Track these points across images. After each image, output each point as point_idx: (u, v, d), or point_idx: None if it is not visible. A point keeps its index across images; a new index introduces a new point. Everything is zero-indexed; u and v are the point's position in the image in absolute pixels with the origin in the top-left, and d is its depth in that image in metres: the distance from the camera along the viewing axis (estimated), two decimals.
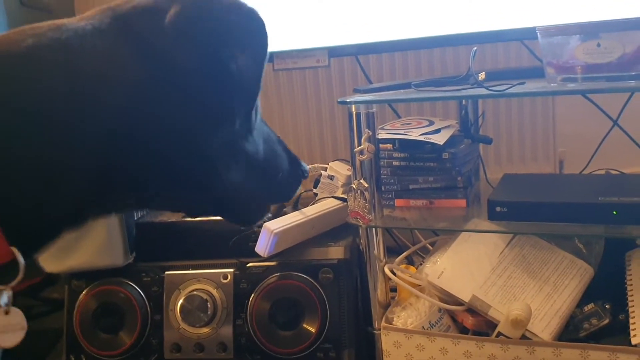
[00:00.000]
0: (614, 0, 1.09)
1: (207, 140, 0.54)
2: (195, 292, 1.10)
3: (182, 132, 0.52)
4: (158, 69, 0.50)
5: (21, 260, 0.48)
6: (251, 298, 1.10)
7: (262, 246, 1.07)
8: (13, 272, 0.48)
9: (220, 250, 1.13)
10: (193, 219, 1.16)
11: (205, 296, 1.10)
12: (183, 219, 1.18)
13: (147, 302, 1.13)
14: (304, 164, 0.68)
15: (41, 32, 0.49)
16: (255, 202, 0.64)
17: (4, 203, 0.46)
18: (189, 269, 1.13)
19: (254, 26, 0.53)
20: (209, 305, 1.10)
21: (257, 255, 1.09)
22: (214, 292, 1.11)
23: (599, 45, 0.90)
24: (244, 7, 0.52)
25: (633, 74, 0.89)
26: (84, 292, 1.13)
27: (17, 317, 0.50)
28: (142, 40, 0.50)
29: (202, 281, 1.12)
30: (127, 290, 1.12)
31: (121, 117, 0.49)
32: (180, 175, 0.54)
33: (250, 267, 1.11)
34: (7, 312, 0.49)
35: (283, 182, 0.65)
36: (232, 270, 1.12)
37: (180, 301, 1.11)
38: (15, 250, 0.47)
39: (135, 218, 1.19)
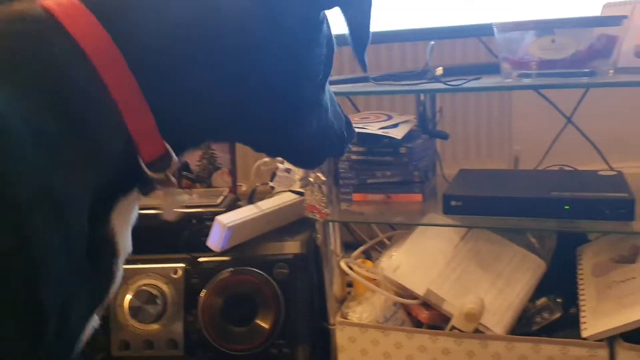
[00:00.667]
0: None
1: (299, 90, 0.60)
2: (144, 288, 1.07)
3: (281, 78, 0.58)
4: (269, 19, 0.55)
5: (173, 154, 0.53)
6: (203, 294, 1.07)
7: (215, 240, 1.04)
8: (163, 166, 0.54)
9: (171, 244, 1.10)
10: (141, 212, 1.12)
11: (154, 291, 1.07)
12: None
13: None
14: (354, 128, 0.74)
15: None
16: (319, 152, 0.69)
17: (172, 105, 0.53)
18: (137, 264, 1.10)
19: None
20: (158, 301, 1.07)
21: (210, 250, 1.06)
22: (164, 287, 1.08)
23: (553, 41, 0.90)
24: None
25: (586, 70, 0.90)
26: None
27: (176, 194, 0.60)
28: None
29: (152, 276, 1.09)
30: None
31: (240, 60, 0.55)
32: (269, 119, 0.60)
33: (202, 262, 1.09)
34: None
35: (340, 138, 0.70)
36: (183, 265, 1.09)
37: (129, 297, 1.07)
38: (167, 145, 0.53)
39: None
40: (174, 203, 0.61)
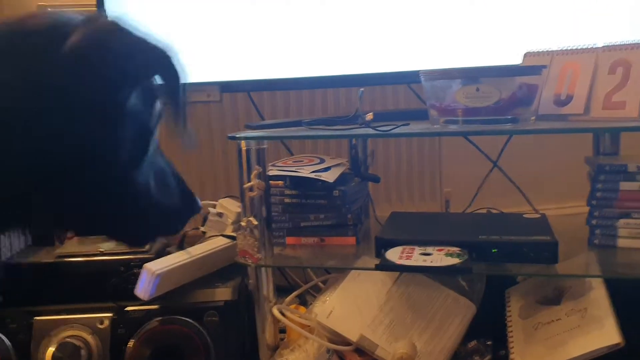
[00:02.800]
0: (493, 47, 1.15)
1: (94, 168, 0.54)
2: (67, 339, 1.02)
3: (70, 158, 0.52)
4: (48, 96, 0.48)
5: None
6: (130, 344, 1.03)
7: (143, 288, 1.01)
8: None
9: (96, 293, 1.05)
10: (64, 260, 1.08)
11: (79, 343, 1.02)
12: (56, 259, 1.09)
13: (12, 352, 1.02)
14: (197, 199, 0.70)
15: None
16: (142, 228, 0.64)
17: None
18: (61, 314, 1.05)
19: (167, 55, 0.53)
20: (82, 353, 1.01)
21: (138, 299, 1.02)
22: (89, 338, 1.03)
23: (478, 89, 0.94)
24: (153, 46, 0.52)
25: (509, 117, 0.94)
26: None
27: None
28: (33, 66, 0.48)
29: (76, 327, 1.04)
30: None
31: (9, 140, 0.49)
32: (68, 197, 0.55)
33: (129, 311, 1.05)
34: None
35: (172, 214, 0.66)
36: (109, 314, 1.05)
37: (51, 349, 1.02)
38: None
39: (3, 258, 1.08)
40: None
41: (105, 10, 1.25)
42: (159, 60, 0.53)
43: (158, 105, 0.60)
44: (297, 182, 1.12)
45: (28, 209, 0.54)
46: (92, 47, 0.49)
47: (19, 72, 0.48)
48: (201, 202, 1.24)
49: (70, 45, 0.48)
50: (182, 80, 0.56)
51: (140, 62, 0.52)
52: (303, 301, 1.23)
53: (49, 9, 0.57)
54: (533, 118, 0.97)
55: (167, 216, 0.65)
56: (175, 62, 0.55)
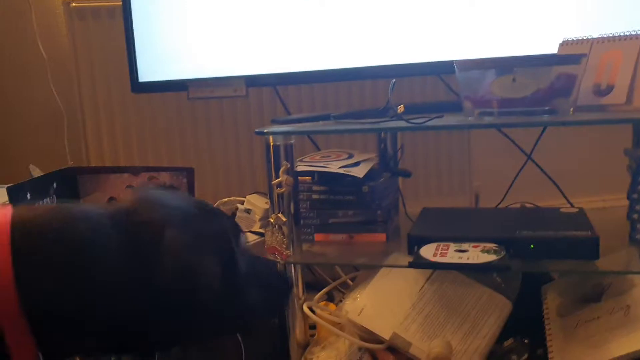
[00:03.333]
0: (529, 36, 1.12)
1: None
2: None
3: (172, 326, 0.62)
4: (147, 285, 0.59)
5: None
6: None
7: None
8: None
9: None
10: None
11: None
12: None
13: None
14: (287, 277, 0.83)
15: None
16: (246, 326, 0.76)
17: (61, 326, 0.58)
18: None
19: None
20: None
21: None
22: None
23: (514, 80, 0.90)
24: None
25: (546, 108, 0.91)
26: None
27: None
28: (144, 258, 0.59)
29: None
30: None
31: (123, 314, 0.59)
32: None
33: None
34: None
35: (267, 302, 0.74)
36: None
37: None
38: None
39: None
40: None
41: (130, 7, 1.25)
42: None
43: (242, 239, 0.70)
44: (326, 178, 1.09)
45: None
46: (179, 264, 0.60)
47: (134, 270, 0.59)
48: (229, 199, 1.24)
49: (169, 262, 0.59)
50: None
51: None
52: (330, 298, 1.21)
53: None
54: (572, 109, 0.94)
55: (266, 303, 0.73)
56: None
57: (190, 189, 1.29)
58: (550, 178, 1.34)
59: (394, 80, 0.97)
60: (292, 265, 1.03)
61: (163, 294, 0.60)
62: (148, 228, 0.61)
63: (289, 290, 0.79)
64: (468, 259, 0.89)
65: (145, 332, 0.62)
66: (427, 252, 0.92)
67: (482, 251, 0.90)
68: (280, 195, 1.00)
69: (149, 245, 0.60)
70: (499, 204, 1.36)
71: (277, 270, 0.78)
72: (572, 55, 0.96)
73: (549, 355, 0.93)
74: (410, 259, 0.93)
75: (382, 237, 1.09)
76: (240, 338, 1.01)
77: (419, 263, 0.92)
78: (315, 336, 1.08)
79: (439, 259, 0.90)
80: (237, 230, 0.69)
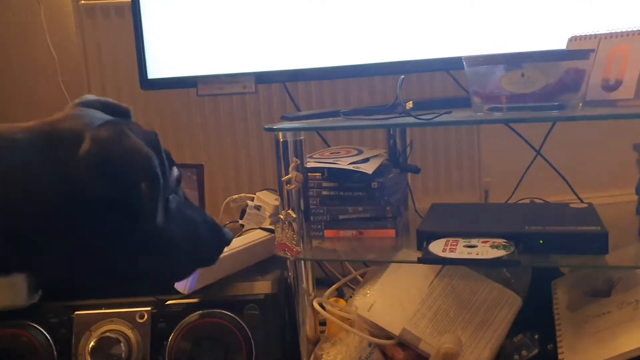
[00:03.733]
0: (538, 32, 1.11)
1: (118, 239, 0.65)
2: (107, 334, 1.02)
3: (95, 236, 0.64)
4: (70, 190, 0.61)
5: None
6: (170, 338, 1.03)
7: (182, 282, 1.00)
8: None
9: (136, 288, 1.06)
10: None
11: (119, 338, 1.02)
12: None
13: (53, 346, 1.03)
14: (226, 230, 0.78)
15: None
16: (180, 269, 0.74)
17: None
18: (101, 309, 1.05)
19: (149, 165, 0.64)
20: (123, 348, 1.02)
21: (177, 292, 1.02)
22: (129, 333, 1.03)
23: (523, 75, 0.90)
24: (142, 150, 0.63)
25: (556, 103, 0.91)
26: None
27: None
28: (62, 164, 0.61)
29: (116, 321, 1.04)
30: (30, 334, 1.02)
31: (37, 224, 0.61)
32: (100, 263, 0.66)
33: (169, 304, 1.05)
34: None
35: (205, 252, 0.75)
36: (149, 308, 1.05)
37: (92, 344, 1.02)
38: None
39: None
40: None
41: (139, 4, 1.25)
42: (144, 171, 0.63)
43: (174, 172, 0.71)
44: (335, 174, 1.10)
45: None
46: (97, 155, 0.61)
47: (50, 173, 0.61)
48: (239, 195, 1.24)
49: (82, 153, 0.61)
50: (160, 184, 0.65)
51: (135, 170, 0.63)
52: (341, 294, 1.22)
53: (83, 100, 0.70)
54: (580, 104, 0.93)
55: (200, 252, 0.74)
56: (156, 169, 0.64)
57: (200, 185, 1.30)
58: (559, 173, 1.34)
59: (402, 76, 0.98)
60: (302, 261, 1.04)
61: (79, 195, 0.61)
62: (68, 134, 0.62)
63: (224, 243, 0.78)
64: (477, 254, 0.89)
65: (62, 242, 0.62)
66: (436, 247, 0.93)
67: (492, 246, 0.91)
68: (290, 192, 1.00)
69: (68, 148, 0.61)
70: (508, 200, 1.36)
71: (213, 221, 0.77)
72: (580, 50, 0.96)
73: (559, 350, 0.94)
74: (419, 254, 0.93)
75: (391, 233, 1.09)
76: (249, 332, 1.02)
77: (428, 258, 0.92)
78: (326, 332, 1.08)
79: (448, 254, 0.90)
80: (170, 162, 0.70)
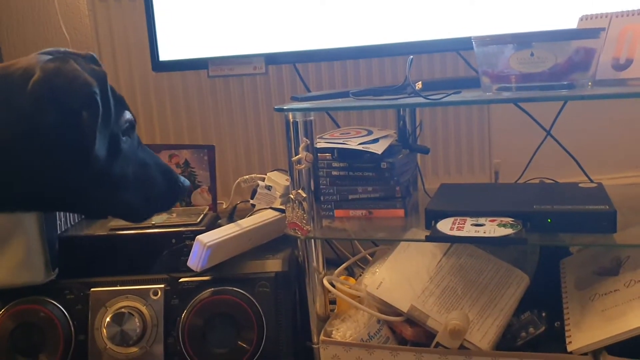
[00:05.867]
0: (547, 12, 1.11)
1: (70, 173, 0.70)
2: (123, 310, 1.05)
3: (47, 169, 0.69)
4: (19, 123, 0.66)
5: None
6: (183, 315, 1.05)
7: (195, 260, 1.02)
8: None
9: (150, 265, 1.07)
10: (118, 232, 1.11)
11: (133, 313, 1.04)
12: (110, 232, 1.12)
13: (70, 322, 1.06)
14: (182, 179, 0.84)
15: None
16: (134, 209, 0.80)
17: None
18: (116, 285, 1.07)
19: (88, 91, 0.68)
20: (137, 323, 1.04)
21: (190, 270, 1.04)
22: (143, 309, 1.06)
23: (532, 54, 0.90)
24: (84, 77, 0.68)
25: (565, 83, 0.91)
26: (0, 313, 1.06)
27: None
28: (14, 102, 0.66)
29: (131, 298, 1.06)
30: (48, 309, 1.05)
31: None
32: (56, 197, 0.72)
33: (182, 282, 1.07)
34: None
35: (159, 196, 0.81)
36: (162, 285, 1.07)
37: (107, 319, 1.05)
38: None
39: (59, 231, 1.12)
40: None
41: None
42: (84, 97, 0.67)
43: (126, 115, 0.77)
44: (345, 155, 1.11)
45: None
46: (44, 87, 0.65)
47: (4, 105, 0.66)
48: (249, 176, 1.26)
49: (31, 83, 0.66)
50: (100, 113, 0.69)
51: (76, 97, 0.67)
52: (351, 273, 1.23)
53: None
54: (590, 83, 0.93)
55: (153, 195, 0.79)
56: (96, 97, 0.68)
57: (211, 166, 1.31)
58: (569, 154, 1.33)
59: (411, 57, 0.98)
60: (313, 240, 1.05)
61: (31, 131, 0.66)
62: (22, 72, 0.67)
63: (179, 190, 0.83)
64: (484, 232, 0.90)
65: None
66: (444, 226, 0.94)
67: (499, 225, 0.91)
68: (301, 172, 1.02)
69: (21, 86, 0.66)
70: (517, 180, 1.37)
71: (169, 169, 0.83)
72: (591, 29, 0.95)
73: (566, 328, 0.94)
74: (427, 233, 0.94)
75: (400, 212, 1.10)
76: (260, 310, 1.04)
77: (436, 237, 0.93)
78: (335, 310, 1.10)
79: (455, 232, 0.91)
80: (122, 106, 0.75)
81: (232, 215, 1.22)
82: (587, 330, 0.91)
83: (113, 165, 0.73)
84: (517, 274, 1.03)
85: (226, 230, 1.06)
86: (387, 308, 1.01)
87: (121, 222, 1.15)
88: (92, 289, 1.07)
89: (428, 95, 0.95)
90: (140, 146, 0.81)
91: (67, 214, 1.16)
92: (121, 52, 1.54)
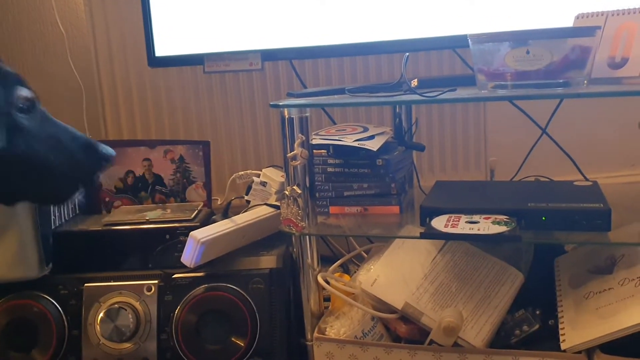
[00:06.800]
0: (542, 10, 1.11)
1: None
2: (116, 305, 1.04)
3: None
4: None
5: None
6: (177, 311, 1.05)
7: (189, 256, 1.02)
8: None
9: (143, 261, 1.07)
10: (112, 228, 1.11)
11: (127, 309, 1.04)
12: (104, 228, 1.11)
13: (64, 317, 1.06)
14: (104, 147, 0.81)
15: None
16: (51, 188, 0.78)
17: None
18: (110, 281, 1.07)
19: None
20: (131, 319, 1.04)
21: (184, 266, 1.04)
22: (137, 305, 1.05)
23: (528, 52, 0.90)
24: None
25: (561, 81, 0.91)
26: None
27: None
28: None
29: (124, 293, 1.06)
30: (41, 305, 1.05)
31: None
32: None
33: (175, 278, 1.06)
34: None
35: (79, 170, 0.79)
36: (156, 281, 1.07)
37: (101, 315, 1.04)
38: None
39: (53, 226, 1.11)
40: None
41: None
42: None
43: (21, 92, 0.74)
44: (341, 151, 1.11)
45: None
46: None
47: None
48: (244, 172, 1.25)
49: None
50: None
51: None
52: (346, 270, 1.23)
53: None
54: (586, 81, 0.93)
55: (75, 170, 0.77)
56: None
57: (206, 161, 1.31)
58: (565, 152, 1.33)
59: (407, 54, 0.98)
60: (307, 236, 1.05)
61: None
62: None
63: (102, 160, 0.81)
64: (479, 230, 0.90)
65: None
66: (439, 223, 0.94)
67: (493, 222, 0.91)
68: (296, 168, 1.01)
69: None
70: (512, 178, 1.37)
71: (87, 139, 0.81)
72: (587, 27, 0.95)
73: (560, 326, 0.95)
74: (422, 230, 0.94)
75: (395, 209, 1.10)
76: (254, 306, 1.04)
77: (430, 234, 0.93)
78: (330, 306, 1.10)
79: (450, 229, 0.91)
80: (14, 81, 0.74)
81: (227, 212, 1.21)
82: (581, 329, 0.91)
83: (13, 144, 0.71)
84: (512, 271, 1.04)
85: (220, 227, 1.06)
86: (381, 305, 1.01)
87: (115, 218, 1.15)
88: (85, 285, 1.07)
89: (424, 93, 0.95)
90: (48, 122, 0.78)
91: (62, 209, 1.16)
92: (117, 47, 1.53)
